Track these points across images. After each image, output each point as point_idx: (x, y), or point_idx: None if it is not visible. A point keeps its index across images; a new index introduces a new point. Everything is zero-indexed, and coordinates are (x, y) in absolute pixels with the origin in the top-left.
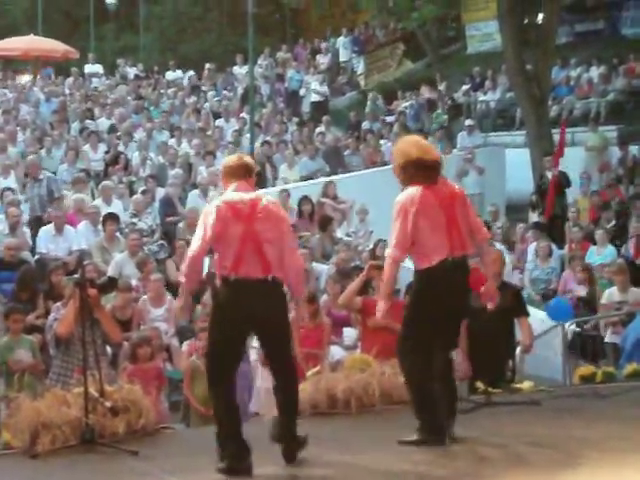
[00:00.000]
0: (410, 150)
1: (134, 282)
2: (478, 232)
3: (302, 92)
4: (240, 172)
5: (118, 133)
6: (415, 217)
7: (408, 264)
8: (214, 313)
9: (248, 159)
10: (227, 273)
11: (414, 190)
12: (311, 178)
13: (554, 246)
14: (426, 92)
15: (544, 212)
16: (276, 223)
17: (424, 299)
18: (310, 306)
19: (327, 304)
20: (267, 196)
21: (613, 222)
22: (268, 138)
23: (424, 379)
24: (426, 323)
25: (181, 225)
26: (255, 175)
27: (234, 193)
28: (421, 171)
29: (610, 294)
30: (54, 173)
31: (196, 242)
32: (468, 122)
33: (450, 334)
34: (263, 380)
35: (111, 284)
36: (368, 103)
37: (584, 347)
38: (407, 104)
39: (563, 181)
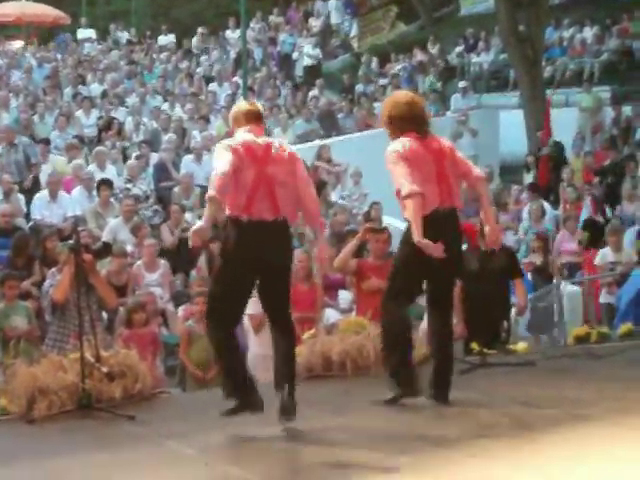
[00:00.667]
0: (398, 102)
1: (129, 248)
2: (470, 174)
3: (295, 56)
4: (252, 117)
5: (111, 98)
6: (408, 163)
7: (399, 224)
8: (223, 255)
9: (259, 105)
10: (238, 214)
11: (404, 140)
12: (306, 139)
13: (548, 207)
14: (419, 54)
15: (538, 178)
16: (289, 165)
17: (415, 249)
18: (303, 267)
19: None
20: (278, 139)
21: (608, 180)
22: (262, 102)
23: (401, 330)
24: (413, 275)
25: (175, 190)
26: (264, 123)
27: (248, 134)
28: (409, 123)
29: (604, 255)
30: (47, 139)
31: (223, 164)
32: (462, 84)
33: (443, 287)
34: (257, 347)
35: (106, 249)
36: (362, 66)
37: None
38: (400, 67)
39: (557, 156)
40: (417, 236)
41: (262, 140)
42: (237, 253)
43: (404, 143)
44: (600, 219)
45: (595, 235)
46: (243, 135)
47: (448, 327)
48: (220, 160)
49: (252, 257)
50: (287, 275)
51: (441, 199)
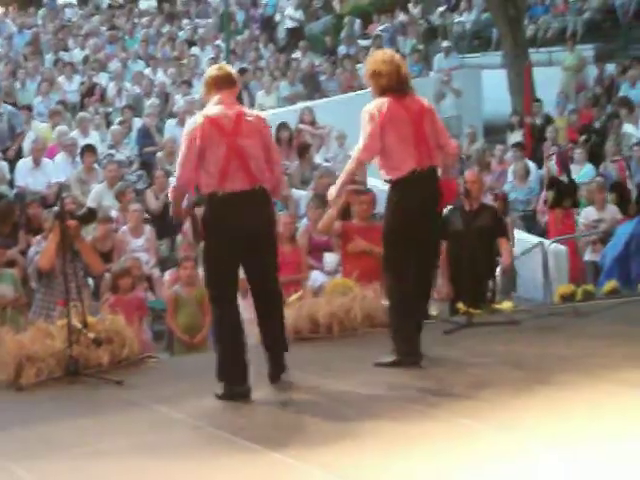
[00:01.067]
0: (377, 61)
1: (113, 213)
2: (445, 147)
3: (277, 18)
4: (222, 82)
5: (93, 64)
6: (383, 126)
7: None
8: (207, 232)
9: (229, 68)
10: (214, 190)
11: (383, 100)
12: (291, 102)
13: (533, 166)
14: (401, 15)
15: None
16: (260, 138)
17: (398, 210)
18: (288, 229)
19: (308, 229)
20: (251, 110)
21: (592, 140)
22: (244, 65)
23: (402, 300)
24: (403, 239)
25: (159, 155)
26: (237, 85)
27: (217, 107)
28: (388, 82)
29: (587, 213)
30: (29, 105)
31: (182, 165)
32: (444, 44)
33: (425, 246)
34: (243, 311)
35: (91, 215)
36: (344, 27)
37: None
38: (382, 27)
39: (543, 129)
40: (334, 190)
41: (232, 111)
42: (217, 226)
43: (382, 104)
44: (565, 179)
45: (559, 195)
46: (212, 108)
47: (428, 291)
48: (184, 151)
49: (232, 227)
50: (271, 243)
51: (419, 160)
